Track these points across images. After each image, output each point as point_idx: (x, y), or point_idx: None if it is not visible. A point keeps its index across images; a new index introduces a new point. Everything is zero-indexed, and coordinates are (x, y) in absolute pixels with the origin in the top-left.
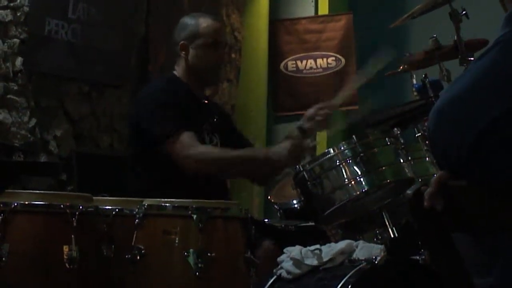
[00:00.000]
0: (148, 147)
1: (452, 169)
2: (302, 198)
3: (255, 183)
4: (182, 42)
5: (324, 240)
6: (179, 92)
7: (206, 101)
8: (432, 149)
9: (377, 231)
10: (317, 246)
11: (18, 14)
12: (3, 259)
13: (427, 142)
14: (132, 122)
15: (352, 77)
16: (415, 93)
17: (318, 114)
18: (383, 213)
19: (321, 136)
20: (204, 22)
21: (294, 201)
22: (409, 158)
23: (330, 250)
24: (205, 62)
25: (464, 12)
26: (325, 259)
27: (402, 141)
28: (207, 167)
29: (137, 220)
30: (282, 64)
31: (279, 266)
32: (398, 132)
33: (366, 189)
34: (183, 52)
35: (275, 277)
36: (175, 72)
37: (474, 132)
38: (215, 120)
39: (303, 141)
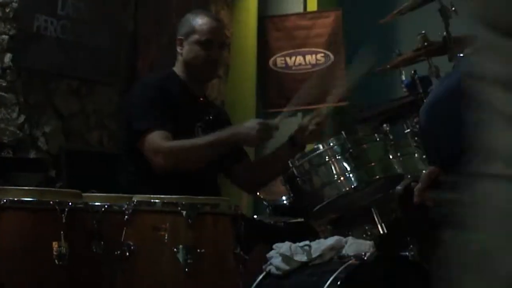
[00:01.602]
0: (136, 143)
1: (444, 164)
2: (291, 195)
3: (246, 191)
4: (179, 37)
5: (314, 236)
6: (172, 89)
7: (202, 99)
8: (424, 145)
9: (366, 227)
10: (307, 242)
11: (7, 10)
12: None
13: (416, 138)
14: (122, 117)
15: (339, 80)
16: (404, 89)
17: (311, 125)
18: (372, 209)
19: None
20: (201, 20)
21: (284, 198)
22: (398, 154)
23: (319, 246)
24: (196, 59)
25: (453, 9)
26: (314, 255)
27: (391, 137)
28: (177, 160)
29: (126, 217)
30: (271, 61)
31: (268, 262)
32: (387, 128)
33: (355, 185)
34: (179, 47)
35: (264, 273)
36: (174, 69)
37: (465, 128)
38: (210, 118)
39: (271, 120)
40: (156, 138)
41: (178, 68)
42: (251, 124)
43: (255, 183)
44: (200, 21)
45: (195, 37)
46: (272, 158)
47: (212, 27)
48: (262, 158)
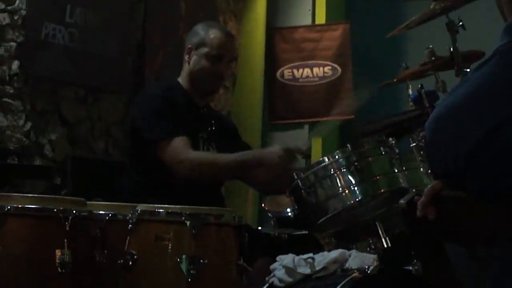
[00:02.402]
0: (142, 152)
1: (448, 179)
2: (296, 207)
3: (261, 192)
4: (189, 46)
5: (317, 248)
6: (176, 98)
7: (205, 109)
8: (429, 159)
9: (371, 241)
10: (310, 254)
11: (15, 18)
12: None
13: (421, 152)
14: (128, 127)
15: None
16: (410, 103)
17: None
18: (377, 223)
19: (316, 144)
20: (213, 33)
21: (288, 210)
22: (404, 168)
23: (323, 258)
24: (203, 71)
25: (461, 23)
26: (317, 268)
27: (396, 151)
28: (200, 172)
29: (130, 226)
30: (278, 72)
31: (272, 274)
32: (393, 142)
33: (360, 198)
34: (187, 56)
35: (267, 285)
36: (178, 79)
37: (471, 142)
38: (213, 129)
39: (295, 145)
40: (179, 146)
41: (182, 78)
42: (275, 149)
43: (271, 187)
44: (212, 34)
45: (205, 49)
46: None
47: (223, 42)
48: None
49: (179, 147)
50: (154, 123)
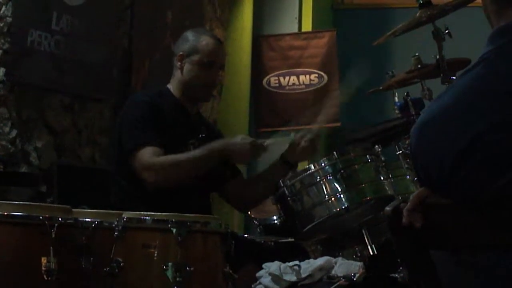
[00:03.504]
0: (127, 160)
1: (434, 186)
2: (282, 214)
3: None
4: (180, 53)
5: (303, 256)
6: (165, 105)
7: (195, 116)
8: (414, 166)
9: (357, 248)
10: (296, 262)
11: (1, 25)
12: None
13: (407, 160)
14: (115, 134)
15: (331, 97)
16: (396, 111)
17: (302, 142)
18: (363, 230)
19: None
20: (204, 40)
21: (274, 217)
22: (390, 175)
23: (309, 266)
24: (196, 79)
25: (447, 31)
26: (303, 275)
27: (383, 158)
28: (165, 175)
29: (116, 233)
30: (265, 80)
31: (258, 282)
32: (379, 149)
33: (346, 205)
34: (179, 63)
35: None
36: (168, 85)
37: (456, 148)
38: (202, 135)
39: (262, 141)
40: (146, 154)
41: (173, 85)
42: (243, 140)
43: (247, 201)
44: (204, 41)
45: (198, 57)
46: (264, 176)
47: (215, 49)
48: (255, 176)
49: (146, 156)
50: (131, 131)
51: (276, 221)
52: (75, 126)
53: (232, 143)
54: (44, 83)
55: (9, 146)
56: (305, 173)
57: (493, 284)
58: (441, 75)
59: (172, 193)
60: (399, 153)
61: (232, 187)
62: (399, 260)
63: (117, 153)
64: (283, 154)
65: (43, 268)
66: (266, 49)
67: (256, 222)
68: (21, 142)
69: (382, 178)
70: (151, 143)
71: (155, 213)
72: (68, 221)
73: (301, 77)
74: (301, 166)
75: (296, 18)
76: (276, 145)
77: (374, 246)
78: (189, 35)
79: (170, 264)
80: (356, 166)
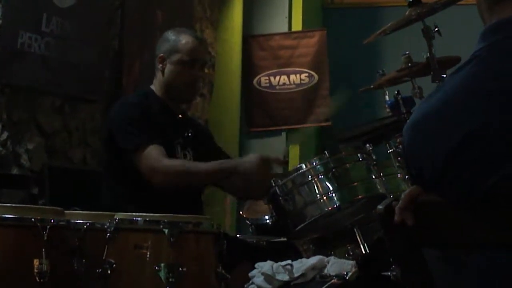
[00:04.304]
0: (119, 161)
1: (425, 184)
2: (274, 214)
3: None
4: (161, 54)
5: (296, 255)
6: (152, 106)
7: (181, 116)
8: (406, 164)
9: (349, 247)
10: (289, 261)
11: None
12: None
13: (399, 158)
14: (104, 136)
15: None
16: (387, 110)
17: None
18: (355, 229)
19: (294, 151)
20: (184, 39)
21: (266, 217)
22: (381, 174)
23: (301, 265)
24: (178, 78)
25: (436, 29)
26: (296, 275)
27: (374, 157)
28: (174, 180)
29: (108, 234)
30: (255, 80)
31: (250, 282)
32: (370, 148)
33: (338, 204)
34: (160, 65)
35: None
36: (152, 86)
37: (448, 146)
38: (189, 135)
39: (272, 156)
40: (153, 154)
41: (156, 86)
42: (252, 159)
43: (244, 193)
44: (183, 40)
45: (178, 56)
46: None
47: (195, 47)
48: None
49: (153, 156)
50: (129, 131)
51: (268, 221)
52: (66, 127)
53: (241, 162)
54: (35, 85)
55: (0, 148)
56: (297, 173)
57: (485, 282)
58: (432, 73)
59: (163, 194)
60: (390, 152)
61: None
62: (391, 259)
63: (107, 154)
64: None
65: (36, 270)
66: (256, 49)
67: (248, 222)
68: (12, 144)
69: (373, 176)
70: (153, 142)
71: (147, 214)
72: (60, 223)
73: (292, 77)
74: (293, 165)
75: (286, 17)
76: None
77: (366, 244)
78: (169, 35)
79: (162, 265)
80: (347, 165)
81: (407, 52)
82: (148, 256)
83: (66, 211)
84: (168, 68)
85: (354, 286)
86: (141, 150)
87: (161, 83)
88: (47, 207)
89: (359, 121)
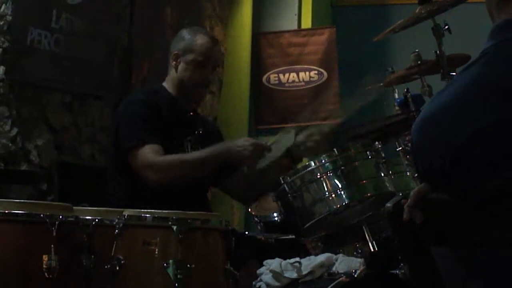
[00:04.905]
0: (125, 158)
1: (434, 182)
2: (283, 211)
3: (241, 202)
4: (175, 52)
5: (304, 253)
6: (162, 104)
7: (191, 114)
8: (415, 161)
9: (357, 245)
10: (297, 259)
11: (1, 23)
12: None
13: (408, 156)
14: (112, 132)
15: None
16: (396, 108)
17: (309, 141)
18: (363, 227)
19: None
20: (199, 39)
21: (275, 214)
22: (390, 172)
23: (309, 263)
24: (190, 77)
25: (446, 27)
26: (304, 272)
27: (383, 155)
28: (169, 174)
29: (117, 231)
30: (264, 77)
31: (259, 279)
32: (379, 146)
33: (346, 202)
34: (174, 62)
35: None
36: (164, 83)
37: (457, 144)
38: (199, 132)
39: (264, 142)
40: (147, 152)
41: (168, 83)
42: (244, 143)
43: (249, 195)
44: (199, 40)
45: (192, 56)
46: (267, 171)
47: (210, 48)
48: (257, 171)
49: (147, 154)
50: (129, 130)
51: (276, 218)
52: (75, 124)
53: (234, 146)
54: (44, 82)
55: (10, 145)
56: (306, 170)
57: (494, 280)
58: (441, 71)
59: (170, 190)
60: (399, 150)
61: (233, 181)
62: (400, 257)
63: (115, 151)
64: (288, 149)
65: (44, 266)
66: (265, 46)
67: (256, 219)
68: (22, 140)
69: (382, 174)
70: (151, 141)
71: (156, 211)
72: (69, 219)
73: (301, 74)
74: (301, 163)
75: (295, 15)
76: (278, 143)
77: (375, 242)
78: (185, 33)
79: (171, 261)
80: (356, 162)
81: (416, 50)
82: (156, 252)
83: (74, 207)
84: (182, 66)
85: (362, 284)
86: (137, 149)
87: (174, 80)
88: (56, 203)
89: (368, 119)
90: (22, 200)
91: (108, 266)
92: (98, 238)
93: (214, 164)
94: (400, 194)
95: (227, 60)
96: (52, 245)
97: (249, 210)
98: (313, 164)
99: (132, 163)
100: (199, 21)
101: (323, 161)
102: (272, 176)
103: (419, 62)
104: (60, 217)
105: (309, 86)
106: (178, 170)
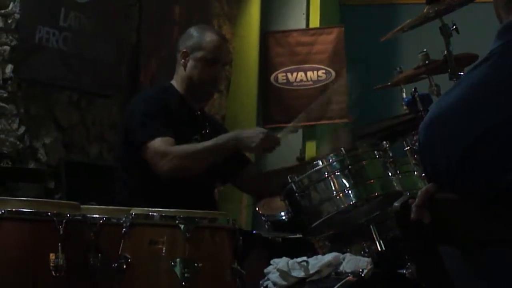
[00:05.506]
0: (134, 155)
1: (441, 181)
2: (290, 210)
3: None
4: (184, 50)
5: (311, 252)
6: (170, 101)
7: (199, 113)
8: (422, 161)
9: (365, 244)
10: (304, 258)
11: (9, 21)
12: None
13: (415, 156)
14: (121, 129)
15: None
16: (404, 107)
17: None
18: (371, 226)
19: (310, 147)
20: (208, 37)
21: (282, 213)
22: (398, 171)
23: (317, 262)
24: (199, 75)
25: (454, 27)
26: (312, 271)
27: (390, 154)
28: (183, 164)
29: (124, 229)
30: (272, 76)
31: (266, 278)
32: (387, 145)
33: (354, 201)
34: (183, 60)
35: None
36: (172, 82)
37: (464, 143)
38: (207, 131)
39: (274, 134)
40: (161, 144)
41: (177, 81)
42: (256, 132)
43: (259, 192)
44: (208, 38)
45: (201, 53)
46: (281, 172)
47: (219, 46)
48: (272, 170)
49: (161, 145)
50: (141, 125)
51: (284, 217)
52: (83, 122)
53: (243, 134)
54: (52, 80)
55: (17, 143)
56: (313, 169)
57: (502, 280)
58: (449, 70)
59: (177, 188)
60: (407, 149)
61: (243, 177)
62: (407, 256)
63: (123, 149)
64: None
65: (51, 264)
66: (273, 45)
67: (264, 218)
68: (29, 138)
69: (390, 174)
70: (163, 134)
71: (163, 209)
72: (76, 217)
73: (309, 73)
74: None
75: (303, 14)
76: (286, 138)
77: (382, 242)
78: (193, 31)
79: (178, 260)
80: (364, 162)
81: (424, 50)
82: (163, 251)
83: (82, 206)
84: (190, 64)
85: (369, 283)
86: (149, 142)
87: (182, 78)
88: (63, 201)
89: (376, 118)
90: (30, 199)
91: (115, 264)
92: (105, 236)
93: (225, 150)
94: (408, 193)
95: (235, 59)
96: (59, 244)
97: (257, 209)
98: (320, 163)
99: (146, 155)
100: (207, 20)
101: (331, 160)
102: (282, 178)
103: (427, 61)
104: (68, 215)
105: (317, 85)
106: (190, 158)
